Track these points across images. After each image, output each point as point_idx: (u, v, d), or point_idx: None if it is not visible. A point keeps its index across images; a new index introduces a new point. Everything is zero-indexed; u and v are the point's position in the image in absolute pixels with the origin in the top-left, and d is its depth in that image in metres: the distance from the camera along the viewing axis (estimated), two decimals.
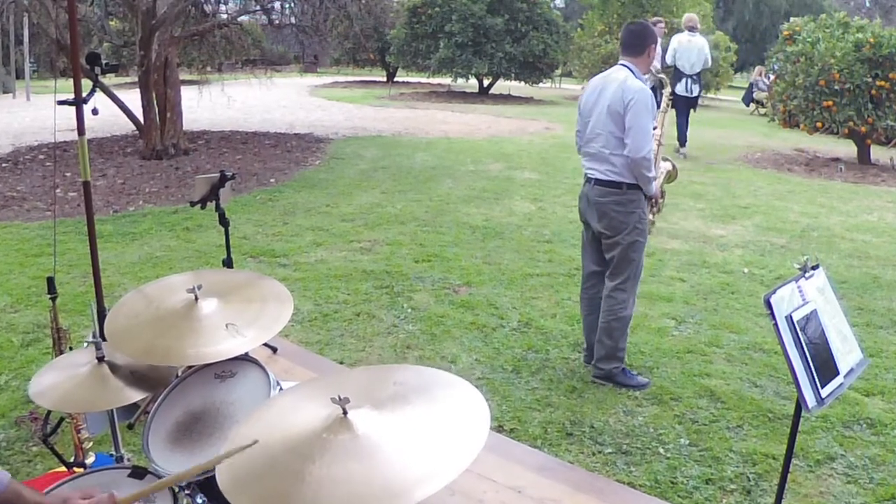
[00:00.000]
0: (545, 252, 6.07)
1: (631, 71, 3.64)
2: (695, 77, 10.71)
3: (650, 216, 3.91)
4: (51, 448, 2.53)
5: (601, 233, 3.79)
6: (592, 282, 4.00)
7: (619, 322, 3.80)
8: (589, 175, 3.79)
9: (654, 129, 3.82)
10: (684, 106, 10.82)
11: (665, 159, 4.13)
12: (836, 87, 10.16)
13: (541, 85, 21.72)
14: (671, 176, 4.21)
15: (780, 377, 3.90)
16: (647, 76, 3.76)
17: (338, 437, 1.47)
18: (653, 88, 11.21)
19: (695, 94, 10.87)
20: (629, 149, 3.54)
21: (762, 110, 16.96)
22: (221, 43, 11.84)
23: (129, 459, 2.60)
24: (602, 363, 3.84)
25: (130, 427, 3.06)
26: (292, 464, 1.44)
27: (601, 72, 3.90)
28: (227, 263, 3.91)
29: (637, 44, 3.69)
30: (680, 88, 10.56)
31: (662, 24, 11.58)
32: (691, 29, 10.87)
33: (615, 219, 3.70)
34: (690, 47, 10.61)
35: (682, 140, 11.03)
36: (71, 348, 3.06)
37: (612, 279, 3.82)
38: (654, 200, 3.90)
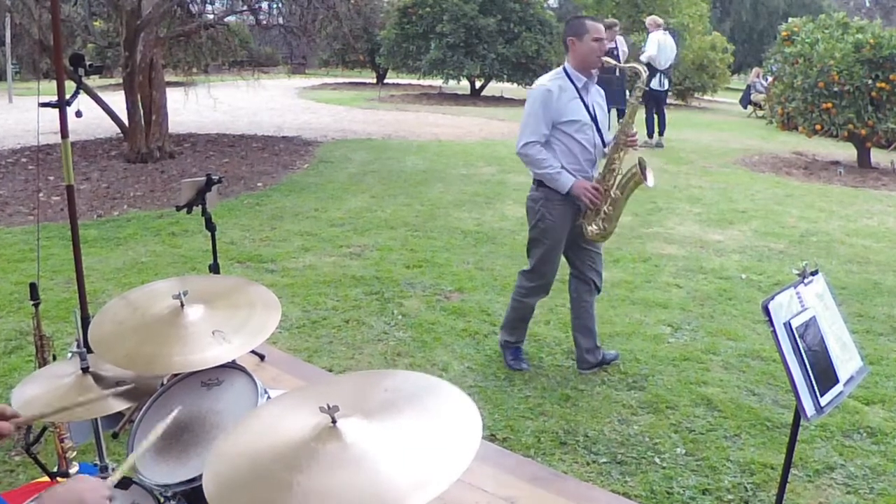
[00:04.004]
0: None
1: (563, 68, 3.76)
2: (666, 71, 11.90)
3: (591, 225, 3.68)
4: (33, 458, 2.50)
5: None
6: (573, 285, 4.05)
7: (516, 304, 4.02)
8: None
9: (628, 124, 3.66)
10: (656, 100, 11.92)
11: (639, 164, 3.58)
12: (836, 89, 10.06)
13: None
14: (634, 179, 3.61)
15: (779, 385, 3.86)
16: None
17: (327, 446, 1.46)
18: (620, 78, 11.44)
19: (665, 87, 12.23)
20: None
21: (760, 112, 16.89)
22: (208, 44, 11.77)
23: (113, 469, 2.54)
24: (584, 359, 4.00)
25: (115, 436, 3.00)
26: (280, 473, 1.44)
27: None
28: (214, 269, 3.87)
29: (565, 41, 3.78)
30: (654, 83, 11.63)
31: (617, 28, 12.65)
32: (660, 27, 11.94)
33: (528, 211, 3.86)
34: (666, 45, 11.71)
35: (650, 132, 12.00)
36: (54, 356, 3.01)
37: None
38: (585, 206, 3.67)
